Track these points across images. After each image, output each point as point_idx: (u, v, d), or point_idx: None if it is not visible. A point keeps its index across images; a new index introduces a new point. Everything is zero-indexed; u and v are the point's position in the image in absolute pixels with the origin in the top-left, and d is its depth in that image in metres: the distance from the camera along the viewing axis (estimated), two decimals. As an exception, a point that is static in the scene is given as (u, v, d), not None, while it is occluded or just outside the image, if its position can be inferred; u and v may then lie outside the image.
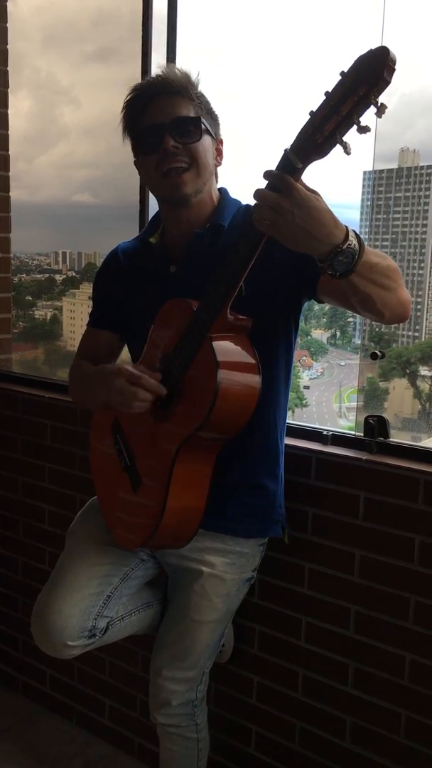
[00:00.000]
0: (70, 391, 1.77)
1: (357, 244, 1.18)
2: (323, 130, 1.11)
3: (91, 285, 1.79)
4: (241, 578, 1.64)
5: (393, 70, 1.05)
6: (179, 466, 1.41)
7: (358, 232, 1.20)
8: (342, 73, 1.09)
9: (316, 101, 1.14)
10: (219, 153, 1.56)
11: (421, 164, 2.36)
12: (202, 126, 1.48)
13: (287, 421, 1.67)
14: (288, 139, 1.19)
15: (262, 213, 1.17)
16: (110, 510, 1.63)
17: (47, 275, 3.57)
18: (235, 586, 1.63)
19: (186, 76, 1.49)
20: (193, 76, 1.50)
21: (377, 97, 1.06)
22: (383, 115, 1.08)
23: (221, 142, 1.56)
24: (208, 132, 1.50)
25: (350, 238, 1.17)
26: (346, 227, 1.18)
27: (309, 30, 2.10)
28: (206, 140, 1.50)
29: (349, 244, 1.17)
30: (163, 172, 1.47)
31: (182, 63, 2.14)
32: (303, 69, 2.10)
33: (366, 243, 1.22)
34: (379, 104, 1.07)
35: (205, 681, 1.72)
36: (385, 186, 2.35)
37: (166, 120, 1.46)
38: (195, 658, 1.65)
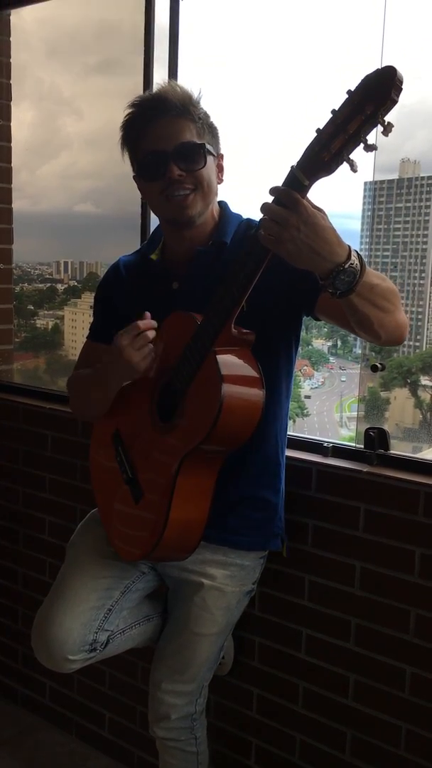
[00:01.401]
0: (71, 402, 1.77)
1: (359, 264, 1.19)
2: (330, 148, 1.12)
3: (93, 294, 1.79)
4: (242, 591, 1.63)
5: (400, 89, 1.06)
6: (182, 479, 1.41)
7: (359, 244, 1.21)
8: (349, 92, 1.09)
9: (317, 113, 1.15)
10: (220, 169, 1.55)
11: (421, 175, 2.36)
12: (205, 150, 1.47)
13: (288, 432, 1.67)
14: (289, 150, 1.20)
15: (268, 227, 1.17)
16: (111, 522, 1.62)
17: (49, 285, 3.58)
18: (235, 598, 1.62)
19: (187, 95, 1.48)
20: (195, 94, 1.49)
21: (384, 116, 1.07)
22: (389, 134, 1.09)
23: (221, 156, 1.56)
24: (210, 153, 1.50)
25: (352, 257, 1.18)
26: (349, 247, 1.19)
27: (310, 41, 2.11)
28: (210, 162, 1.49)
29: (351, 264, 1.18)
30: (167, 196, 1.48)
31: (184, 75, 2.16)
32: (304, 80, 2.11)
33: (367, 254, 1.23)
34: (386, 123, 1.08)
35: (204, 694, 1.71)
36: (386, 196, 2.35)
37: (169, 147, 1.45)
38: (194, 671, 1.65)
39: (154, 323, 1.46)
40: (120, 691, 2.30)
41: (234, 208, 1.63)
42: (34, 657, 1.65)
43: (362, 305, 1.24)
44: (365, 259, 1.23)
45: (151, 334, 1.45)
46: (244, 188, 1.82)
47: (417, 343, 2.53)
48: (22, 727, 2.51)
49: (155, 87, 1.54)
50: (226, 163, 1.58)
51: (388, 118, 1.08)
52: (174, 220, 1.52)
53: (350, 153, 1.11)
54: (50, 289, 3.58)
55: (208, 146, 1.48)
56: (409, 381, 2.49)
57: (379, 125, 1.08)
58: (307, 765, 1.88)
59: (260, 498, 1.59)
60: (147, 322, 1.45)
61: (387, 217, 2.34)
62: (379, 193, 2.34)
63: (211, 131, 1.51)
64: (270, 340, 1.47)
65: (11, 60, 2.70)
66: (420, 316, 2.46)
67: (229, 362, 1.34)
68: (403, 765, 1.69)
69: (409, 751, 1.68)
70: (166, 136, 1.46)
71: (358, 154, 1.14)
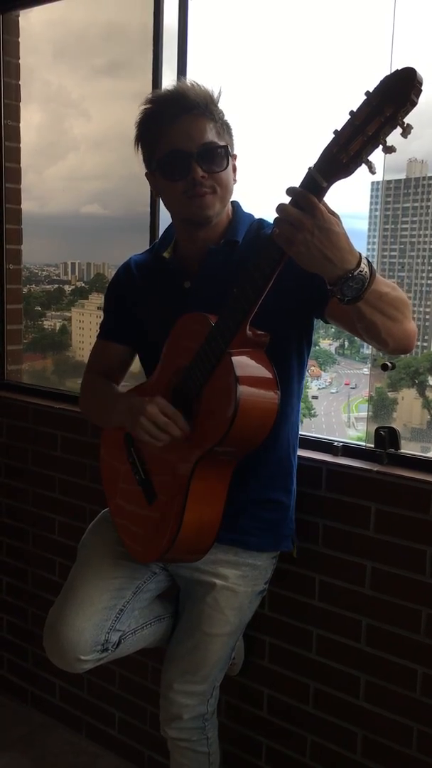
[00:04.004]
0: (81, 405, 1.78)
1: (368, 272, 1.19)
2: (348, 150, 1.11)
3: (101, 295, 1.80)
4: (254, 591, 1.63)
5: (420, 91, 1.04)
6: (196, 482, 1.41)
7: (366, 244, 1.21)
8: (367, 93, 1.08)
9: (327, 112, 1.15)
10: (234, 169, 1.55)
11: (429, 175, 2.36)
12: (229, 153, 1.48)
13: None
14: (301, 151, 1.20)
15: (282, 228, 1.17)
16: (124, 523, 1.63)
17: (56, 286, 3.59)
18: (247, 598, 1.63)
19: (208, 94, 1.47)
20: (215, 93, 1.48)
21: (404, 118, 1.06)
22: (408, 136, 1.08)
23: (235, 157, 1.55)
24: (230, 155, 1.50)
25: (362, 265, 1.18)
26: (360, 254, 1.19)
27: (320, 42, 2.11)
28: (230, 165, 1.50)
29: (360, 271, 1.17)
30: (189, 196, 1.47)
31: (193, 76, 2.16)
32: (315, 81, 2.11)
33: (374, 255, 1.23)
34: (405, 125, 1.07)
35: (215, 695, 1.71)
36: (393, 196, 2.35)
37: (193, 148, 1.44)
38: (206, 672, 1.65)
39: (187, 430, 1.42)
40: (130, 691, 2.30)
41: (244, 208, 1.62)
42: (45, 657, 1.65)
43: (370, 313, 1.24)
44: (372, 260, 1.23)
45: (176, 433, 1.41)
46: (254, 188, 1.82)
47: (425, 344, 2.53)
48: (32, 727, 2.52)
49: (173, 84, 1.52)
50: (238, 162, 1.58)
51: (406, 119, 1.07)
52: (191, 220, 1.52)
53: (369, 155, 1.10)
54: (58, 290, 3.59)
55: (229, 148, 1.49)
56: (416, 381, 2.49)
57: (398, 127, 1.07)
58: (317, 765, 1.88)
59: (272, 499, 1.59)
60: (185, 428, 1.42)
61: (394, 217, 2.34)
62: (386, 193, 2.34)
63: (229, 132, 1.51)
64: (282, 342, 1.47)
65: (19, 63, 2.71)
66: (428, 317, 2.45)
67: (245, 364, 1.34)
68: (414, 765, 1.69)
69: (420, 751, 1.68)
70: (189, 136, 1.45)
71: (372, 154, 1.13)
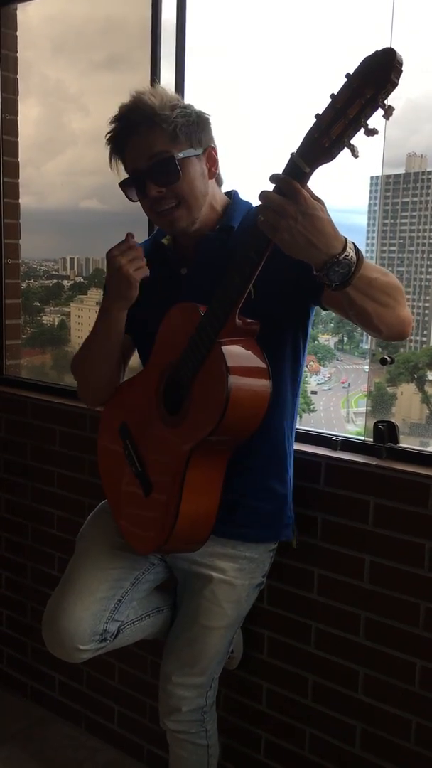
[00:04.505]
0: (79, 385, 1.75)
1: (354, 257, 1.18)
2: (330, 134, 1.10)
3: (99, 291, 1.79)
4: (251, 584, 1.64)
5: (400, 71, 1.04)
6: (191, 471, 1.42)
7: (366, 239, 1.20)
8: (348, 75, 1.08)
9: (324, 104, 1.14)
10: (213, 162, 1.52)
11: (428, 169, 2.36)
12: (178, 162, 1.44)
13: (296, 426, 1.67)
14: (294, 141, 1.19)
15: (266, 215, 1.17)
16: (121, 515, 1.63)
17: (55, 281, 3.58)
18: (245, 591, 1.63)
19: (151, 105, 1.43)
20: (164, 96, 1.45)
21: (385, 100, 1.06)
22: (390, 118, 1.07)
23: (214, 149, 1.52)
24: (188, 158, 1.46)
25: (348, 249, 1.17)
26: (345, 239, 1.19)
27: (318, 35, 2.11)
28: (189, 169, 1.46)
29: (345, 256, 1.17)
30: (157, 213, 1.49)
31: (191, 70, 2.15)
32: (313, 74, 2.11)
33: (373, 249, 1.22)
34: (386, 106, 1.06)
35: (214, 687, 1.72)
36: (392, 191, 2.35)
37: (143, 165, 1.45)
38: (205, 664, 1.65)
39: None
40: (129, 685, 2.30)
41: (242, 195, 1.62)
42: (44, 651, 1.66)
43: (360, 299, 1.23)
44: (372, 255, 1.23)
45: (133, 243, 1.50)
46: (250, 179, 1.82)
47: (424, 338, 2.53)
48: (31, 720, 2.52)
49: (130, 96, 1.49)
50: (232, 155, 1.57)
51: (388, 101, 1.06)
52: (169, 234, 1.57)
53: (351, 138, 1.10)
54: (56, 285, 3.59)
55: (181, 154, 1.44)
56: (415, 376, 2.49)
57: (379, 108, 1.06)
58: (316, 758, 1.88)
59: (268, 488, 1.59)
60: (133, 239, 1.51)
61: (393, 211, 2.34)
62: (385, 188, 2.34)
63: (190, 129, 1.46)
64: (276, 329, 1.47)
65: (17, 56, 2.70)
66: (427, 311, 2.46)
67: (235, 353, 1.34)
68: (413, 758, 1.70)
69: (419, 744, 1.69)
70: (138, 155, 1.46)
71: (363, 144, 1.12)
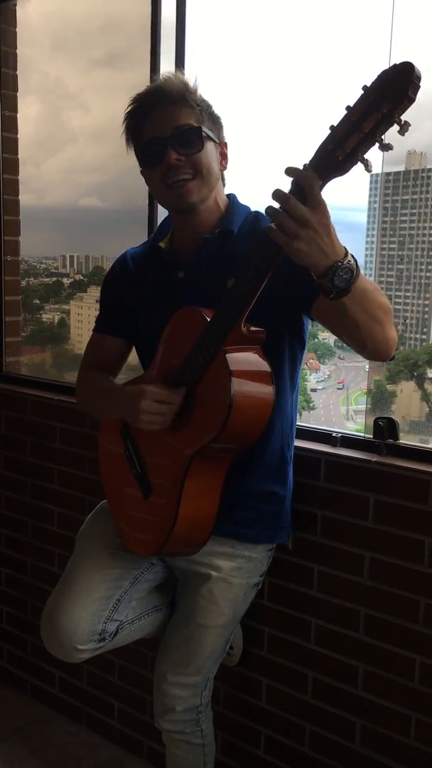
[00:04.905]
0: (79, 400, 1.78)
1: (354, 263, 1.18)
2: (344, 147, 1.08)
3: (98, 288, 1.79)
4: (249, 583, 1.64)
5: (418, 87, 1.01)
6: (191, 477, 1.41)
7: (366, 237, 1.20)
8: (364, 88, 1.06)
9: (325, 105, 1.13)
10: (224, 157, 1.55)
11: (428, 167, 2.36)
12: (204, 134, 1.47)
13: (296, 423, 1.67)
14: (296, 142, 1.18)
15: (284, 224, 1.13)
16: (121, 517, 1.63)
17: (55, 279, 3.58)
18: (242, 590, 1.63)
19: (183, 83, 1.48)
20: (191, 82, 1.49)
21: (401, 115, 1.03)
22: (405, 134, 1.05)
23: (225, 145, 1.55)
24: (210, 138, 1.48)
25: (349, 255, 1.17)
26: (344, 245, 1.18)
27: (318, 34, 2.10)
28: (209, 147, 1.48)
29: (348, 260, 1.17)
30: (169, 184, 1.47)
31: (191, 68, 2.15)
32: (312, 73, 2.11)
33: (373, 247, 1.22)
34: (402, 122, 1.04)
35: (210, 687, 1.71)
36: (392, 189, 2.35)
37: (166, 132, 1.45)
38: (200, 663, 1.65)
39: (181, 396, 1.43)
40: (129, 682, 2.31)
41: (241, 199, 1.62)
42: (44, 647, 1.66)
43: (353, 310, 1.22)
44: (372, 252, 1.23)
45: (174, 409, 1.42)
46: (250, 179, 1.82)
47: (424, 336, 2.53)
48: (32, 717, 2.53)
49: (153, 80, 1.54)
50: (232, 154, 1.58)
51: (404, 116, 1.03)
52: (177, 208, 1.52)
53: (365, 152, 1.08)
54: (56, 283, 3.59)
55: (206, 130, 1.47)
56: (415, 374, 2.49)
57: (395, 124, 1.04)
58: (316, 754, 1.89)
59: (269, 492, 1.59)
60: (180, 396, 1.42)
61: (393, 209, 2.34)
62: (385, 186, 2.34)
63: (212, 119, 1.50)
64: (273, 336, 1.45)
65: (17, 53, 2.70)
66: (426, 309, 2.46)
67: (239, 360, 1.33)
68: (412, 754, 1.70)
69: (419, 740, 1.69)
70: (163, 123, 1.46)
71: (370, 151, 1.10)
